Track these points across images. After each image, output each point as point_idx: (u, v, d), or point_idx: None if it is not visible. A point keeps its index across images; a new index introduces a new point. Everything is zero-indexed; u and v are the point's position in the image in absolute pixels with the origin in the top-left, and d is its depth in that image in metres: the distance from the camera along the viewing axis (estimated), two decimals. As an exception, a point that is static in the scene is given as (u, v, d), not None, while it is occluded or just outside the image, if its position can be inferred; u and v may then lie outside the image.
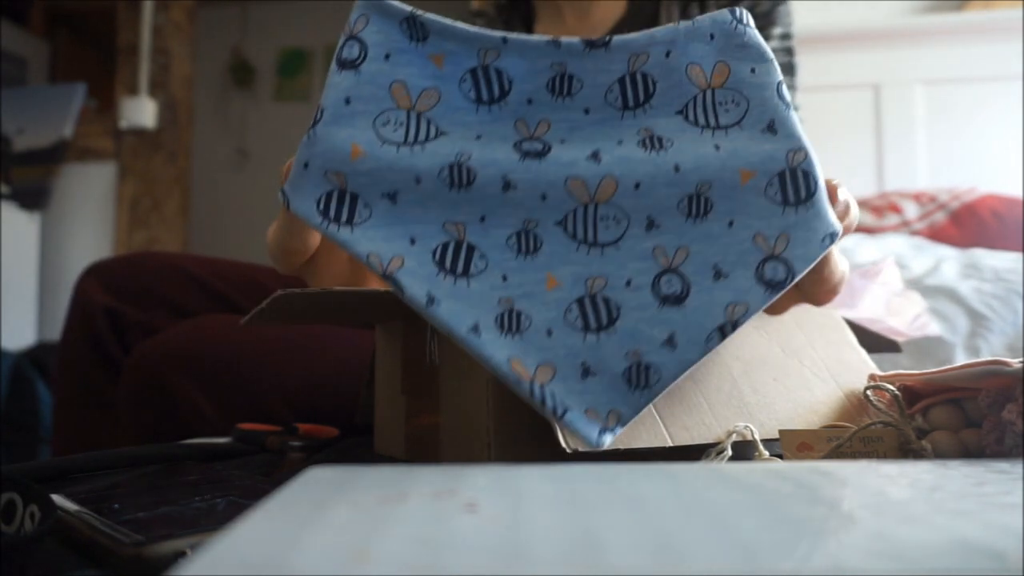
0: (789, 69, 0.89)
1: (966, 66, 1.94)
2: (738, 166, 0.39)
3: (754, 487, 0.26)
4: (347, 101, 0.39)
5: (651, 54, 0.41)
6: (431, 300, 0.37)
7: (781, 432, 0.41)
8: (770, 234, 0.38)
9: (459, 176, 0.39)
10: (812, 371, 0.50)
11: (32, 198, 2.39)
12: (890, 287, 0.79)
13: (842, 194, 0.40)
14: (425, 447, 0.48)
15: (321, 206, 0.38)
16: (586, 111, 0.41)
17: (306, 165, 0.38)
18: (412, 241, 0.38)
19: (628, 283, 0.39)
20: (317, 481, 0.26)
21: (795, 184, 0.39)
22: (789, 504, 0.24)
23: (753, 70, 0.42)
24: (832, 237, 0.39)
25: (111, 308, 0.82)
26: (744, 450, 0.43)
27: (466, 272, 0.38)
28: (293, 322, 0.71)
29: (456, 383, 0.45)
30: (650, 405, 0.43)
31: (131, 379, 0.73)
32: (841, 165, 1.91)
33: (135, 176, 2.57)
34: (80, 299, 0.84)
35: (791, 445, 0.41)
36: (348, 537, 0.19)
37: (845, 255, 1.69)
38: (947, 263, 1.40)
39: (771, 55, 0.42)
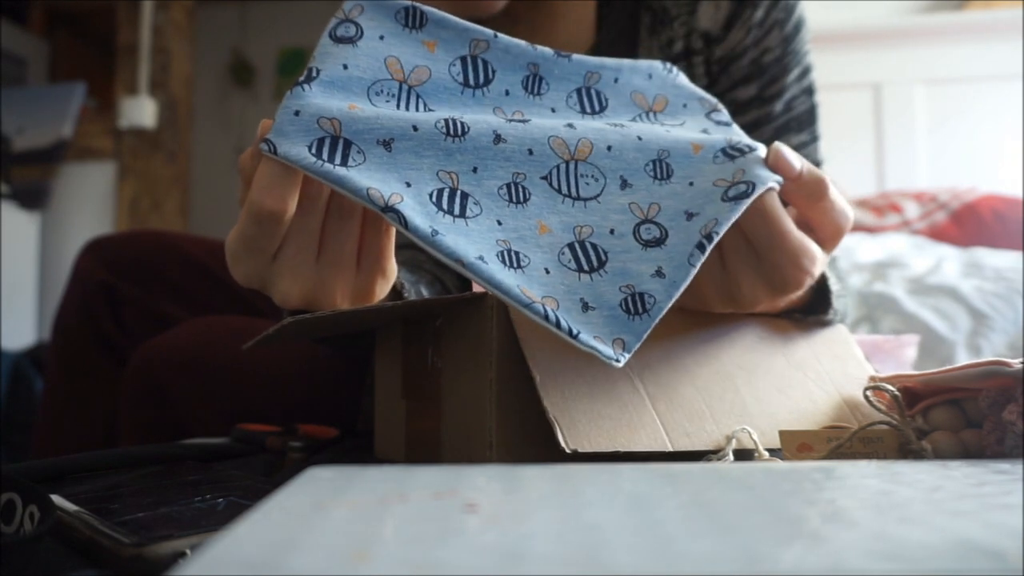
0: (810, 116, 0.70)
1: (966, 66, 1.94)
2: (689, 140, 0.45)
3: (754, 487, 0.26)
4: (344, 67, 0.40)
5: (602, 75, 0.48)
6: (435, 232, 0.38)
7: (781, 432, 0.41)
8: (727, 176, 0.43)
9: (454, 127, 0.41)
10: (816, 383, 0.49)
11: (32, 198, 2.39)
12: (904, 367, 0.82)
13: (798, 163, 0.44)
14: (425, 451, 0.48)
15: (313, 149, 0.37)
16: (552, 110, 0.46)
17: (297, 113, 0.38)
18: (408, 185, 0.39)
19: (612, 231, 0.42)
20: (317, 481, 0.26)
21: (736, 150, 0.44)
22: (789, 504, 0.24)
23: (685, 105, 0.49)
24: (778, 183, 0.43)
25: (108, 283, 0.82)
26: (745, 459, 0.43)
27: (463, 214, 0.40)
28: (296, 341, 0.71)
29: (457, 385, 0.45)
30: (652, 410, 0.43)
31: (132, 381, 0.73)
32: (841, 165, 1.91)
33: (135, 176, 2.57)
34: (78, 273, 0.85)
35: (791, 445, 0.41)
36: (348, 537, 0.19)
37: (846, 254, 1.67)
38: (948, 262, 1.40)
39: (700, 93, 0.50)
